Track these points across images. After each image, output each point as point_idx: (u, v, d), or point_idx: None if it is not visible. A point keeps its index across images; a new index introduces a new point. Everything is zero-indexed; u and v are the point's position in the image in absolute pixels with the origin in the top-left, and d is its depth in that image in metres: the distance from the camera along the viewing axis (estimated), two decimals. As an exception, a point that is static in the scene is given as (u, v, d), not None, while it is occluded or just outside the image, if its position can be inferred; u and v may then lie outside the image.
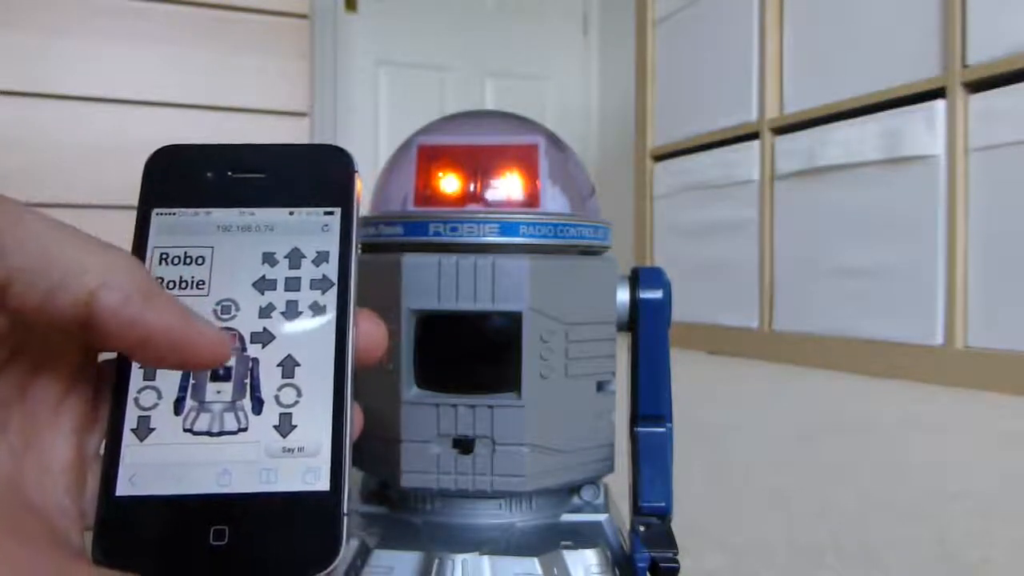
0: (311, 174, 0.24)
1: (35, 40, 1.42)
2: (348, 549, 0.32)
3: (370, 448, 0.34)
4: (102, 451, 0.21)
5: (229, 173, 0.23)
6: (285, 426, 0.21)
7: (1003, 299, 1.31)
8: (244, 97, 1.55)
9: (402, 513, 0.35)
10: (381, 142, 2.66)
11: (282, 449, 0.21)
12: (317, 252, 0.23)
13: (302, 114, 1.60)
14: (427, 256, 0.32)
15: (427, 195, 0.34)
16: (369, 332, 0.23)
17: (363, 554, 0.31)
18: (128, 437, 0.21)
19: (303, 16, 1.60)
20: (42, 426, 0.20)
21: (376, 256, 0.34)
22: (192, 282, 0.22)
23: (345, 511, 0.20)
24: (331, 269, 0.23)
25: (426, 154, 0.35)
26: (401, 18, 2.71)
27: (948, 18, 1.38)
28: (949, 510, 0.65)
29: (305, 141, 1.60)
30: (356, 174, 0.24)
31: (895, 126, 1.47)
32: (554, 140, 0.36)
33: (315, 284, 0.22)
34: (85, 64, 1.45)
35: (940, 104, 1.39)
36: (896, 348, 1.47)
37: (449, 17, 2.77)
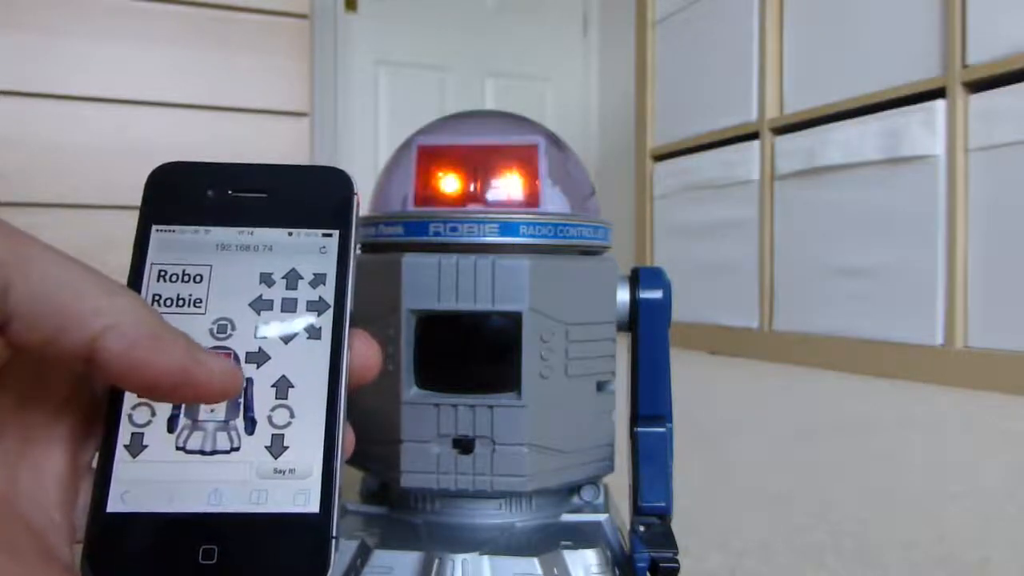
0: (311, 196, 0.24)
1: (35, 40, 1.42)
2: (348, 549, 0.32)
3: (370, 448, 0.34)
4: (95, 465, 0.21)
5: (229, 192, 0.23)
6: (277, 447, 0.21)
7: (1003, 299, 1.31)
8: (244, 97, 1.55)
9: (402, 513, 0.35)
10: (381, 142, 2.66)
11: (273, 470, 0.21)
12: (314, 274, 0.23)
13: (302, 114, 1.60)
14: (427, 256, 0.32)
15: (427, 195, 0.34)
16: (363, 354, 0.23)
17: (363, 554, 0.31)
18: (121, 453, 0.21)
19: (303, 16, 1.60)
20: (36, 439, 0.20)
21: (376, 256, 0.34)
22: (189, 300, 0.22)
23: (334, 534, 0.20)
24: (328, 291, 0.23)
25: (426, 154, 0.35)
26: (401, 18, 2.71)
27: (948, 18, 1.38)
28: (949, 510, 0.65)
29: (305, 140, 1.60)
30: (356, 197, 0.24)
31: (895, 126, 1.47)
32: (554, 140, 0.36)
33: (311, 306, 0.23)
34: (85, 64, 1.45)
35: (940, 104, 1.39)
36: (896, 348, 1.47)
37: (449, 17, 2.77)
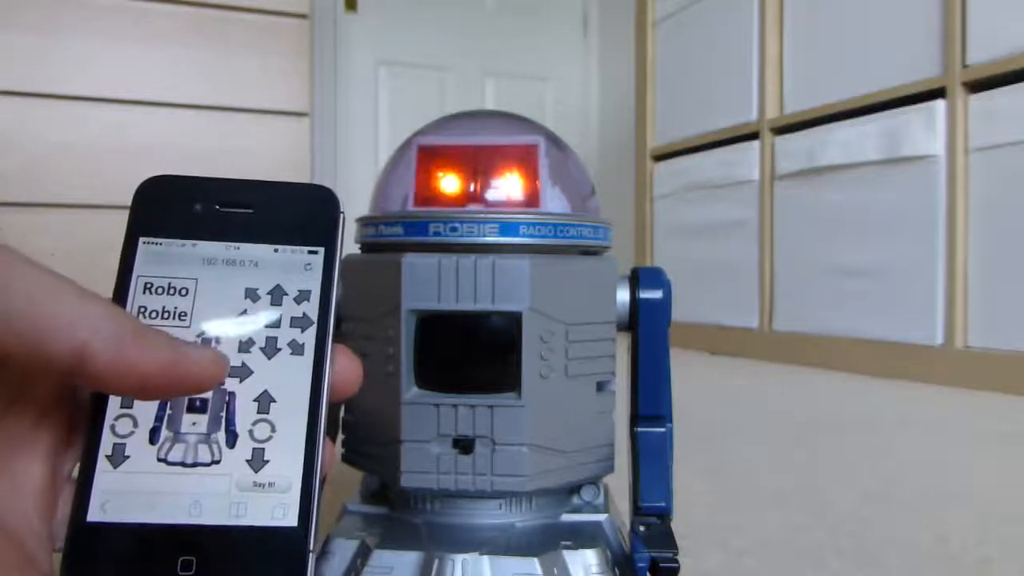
0: (298, 213, 0.24)
1: (35, 40, 1.42)
2: (348, 549, 0.32)
3: (370, 448, 0.34)
4: (76, 475, 0.21)
5: (217, 207, 0.24)
6: (257, 461, 0.21)
7: (1003, 299, 1.31)
8: (244, 97, 1.55)
9: (402, 513, 0.35)
10: (381, 142, 2.66)
11: (253, 483, 0.21)
12: (299, 290, 0.23)
13: (302, 114, 1.60)
14: (427, 256, 0.32)
15: (427, 195, 0.34)
16: (344, 370, 0.23)
17: (363, 554, 0.31)
18: (102, 464, 0.21)
19: (303, 16, 1.60)
20: (17, 448, 0.20)
21: (376, 256, 0.34)
22: (174, 313, 0.22)
23: (311, 548, 0.21)
24: (312, 308, 0.23)
25: (426, 154, 0.35)
26: (401, 18, 2.71)
27: (948, 18, 1.38)
28: (949, 510, 0.65)
29: (305, 140, 1.60)
30: (342, 215, 0.24)
31: (895, 126, 1.47)
32: (554, 140, 0.36)
33: (295, 322, 0.23)
34: (85, 64, 1.45)
35: (940, 104, 1.39)
36: (896, 348, 1.46)
37: (449, 17, 2.77)
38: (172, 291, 0.23)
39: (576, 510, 0.36)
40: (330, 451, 0.23)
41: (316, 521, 0.21)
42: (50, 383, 0.21)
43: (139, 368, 0.19)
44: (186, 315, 0.22)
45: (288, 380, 0.22)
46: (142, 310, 0.22)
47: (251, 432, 0.22)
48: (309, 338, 0.23)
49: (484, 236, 0.32)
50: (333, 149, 2.59)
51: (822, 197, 1.65)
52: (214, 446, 0.21)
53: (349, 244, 0.29)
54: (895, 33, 1.50)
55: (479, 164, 0.34)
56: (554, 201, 0.34)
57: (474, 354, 0.33)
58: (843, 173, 1.59)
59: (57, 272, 0.19)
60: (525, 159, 0.34)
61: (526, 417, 0.32)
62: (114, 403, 0.21)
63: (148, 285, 0.22)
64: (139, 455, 0.21)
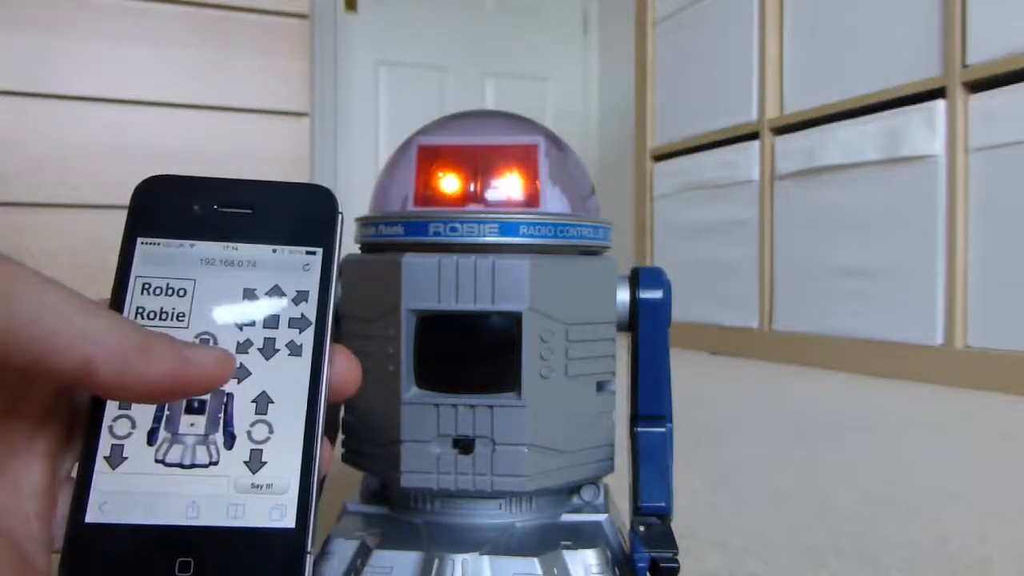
0: (296, 213, 0.24)
1: (35, 40, 1.42)
2: (348, 549, 0.32)
3: (370, 448, 0.34)
4: (74, 476, 0.21)
5: (215, 207, 0.24)
6: (255, 462, 0.21)
7: (1003, 299, 1.31)
8: (244, 97, 1.55)
9: (402, 513, 0.35)
10: (381, 142, 2.66)
11: (251, 485, 0.21)
12: (297, 291, 0.23)
13: (302, 114, 1.60)
14: (427, 256, 0.32)
15: (427, 195, 0.34)
16: (343, 370, 0.23)
17: (363, 554, 0.31)
18: (100, 465, 0.21)
19: (303, 16, 1.60)
20: (16, 450, 0.20)
21: (376, 256, 0.34)
22: (172, 314, 0.22)
23: (309, 549, 0.21)
24: (310, 308, 0.23)
25: (426, 154, 0.35)
26: (401, 18, 2.71)
27: (948, 18, 1.38)
28: (949, 510, 0.65)
29: (305, 140, 1.60)
30: (340, 216, 0.24)
31: (895, 126, 1.47)
32: (554, 140, 0.36)
33: (293, 323, 0.23)
34: (85, 64, 1.45)
35: (940, 104, 1.39)
36: (896, 348, 1.46)
37: (449, 17, 2.77)
38: (170, 292, 0.22)
39: (576, 510, 0.36)
40: (328, 452, 0.23)
41: (314, 522, 0.21)
42: (50, 386, 0.21)
43: (145, 379, 0.19)
44: (184, 316, 0.22)
45: (286, 381, 0.22)
46: (140, 311, 0.22)
47: (249, 433, 0.22)
48: (307, 339, 0.23)
49: (484, 236, 0.32)
50: (333, 149, 2.59)
51: (822, 197, 1.65)
52: (212, 447, 0.21)
53: (349, 244, 0.29)
54: (895, 33, 1.50)
55: (479, 164, 0.34)
56: (554, 201, 0.34)
57: (474, 354, 0.33)
58: (843, 173, 1.59)
59: (63, 284, 0.19)
60: (525, 159, 0.34)
61: (526, 417, 0.32)
62: (112, 404, 0.21)
63: (146, 286, 0.22)
64: (137, 456, 0.21)
